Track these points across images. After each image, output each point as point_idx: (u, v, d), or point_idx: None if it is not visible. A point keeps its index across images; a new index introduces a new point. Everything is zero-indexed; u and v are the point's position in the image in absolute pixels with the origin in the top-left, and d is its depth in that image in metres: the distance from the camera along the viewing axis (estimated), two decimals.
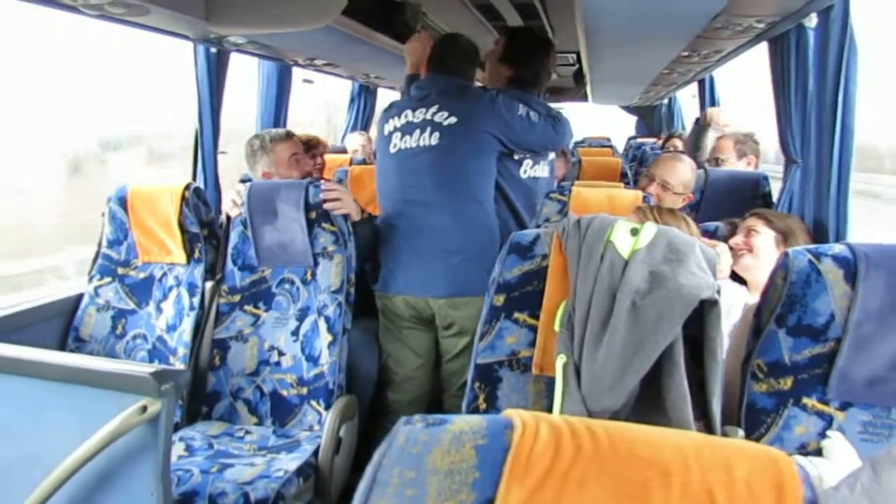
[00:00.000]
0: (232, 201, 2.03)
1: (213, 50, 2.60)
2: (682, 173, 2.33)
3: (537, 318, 1.18)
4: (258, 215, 2.01)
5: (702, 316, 1.08)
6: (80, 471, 1.03)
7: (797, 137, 2.17)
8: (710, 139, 2.94)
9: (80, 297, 2.16)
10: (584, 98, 5.61)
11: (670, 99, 5.36)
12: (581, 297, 1.11)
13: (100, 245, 2.18)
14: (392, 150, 2.18)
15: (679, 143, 4.14)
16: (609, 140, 6.24)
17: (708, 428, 1.10)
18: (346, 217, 1.99)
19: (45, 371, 1.14)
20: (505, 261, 1.20)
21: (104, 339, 2.11)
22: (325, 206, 1.96)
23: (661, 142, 4.90)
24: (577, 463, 0.48)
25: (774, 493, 0.45)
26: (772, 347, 1.14)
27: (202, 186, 2.69)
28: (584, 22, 2.02)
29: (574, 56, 4.76)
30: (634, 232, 1.13)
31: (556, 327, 1.14)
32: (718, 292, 1.07)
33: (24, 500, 1.03)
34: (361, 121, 4.40)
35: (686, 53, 2.62)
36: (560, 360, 1.12)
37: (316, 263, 1.99)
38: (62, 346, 2.10)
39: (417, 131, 2.12)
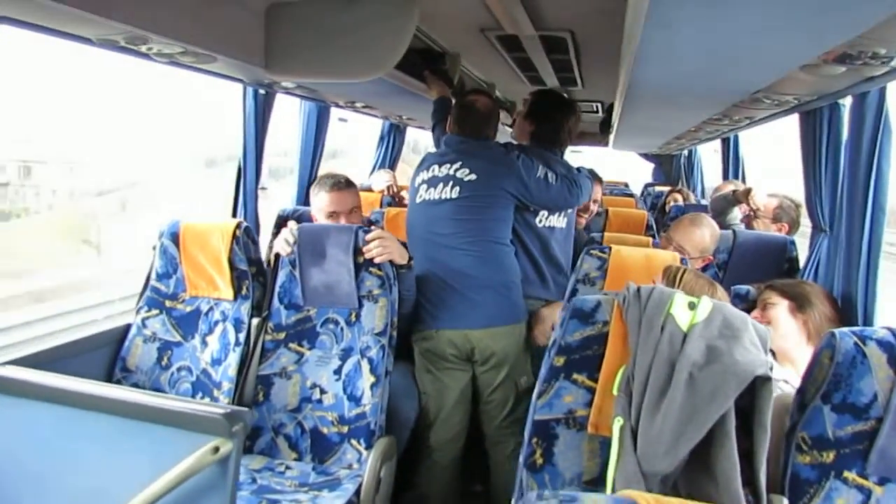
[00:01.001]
0: (285, 241, 2.11)
1: (262, 91, 2.72)
2: (698, 239, 2.42)
3: (595, 380, 1.25)
4: (307, 256, 2.10)
5: (753, 389, 1.15)
6: None
7: (826, 207, 2.26)
8: (736, 211, 3.04)
9: (127, 328, 2.23)
10: (606, 144, 5.73)
11: (691, 150, 5.48)
12: (641, 365, 1.19)
13: (148, 278, 2.26)
14: (418, 201, 2.38)
15: (679, 198, 4.26)
16: (627, 186, 6.35)
17: (754, 495, 1.16)
18: (391, 262, 2.08)
19: (118, 407, 1.20)
20: (567, 325, 1.27)
21: (150, 371, 2.18)
22: (368, 255, 2.05)
23: (665, 195, 5.02)
24: None
25: None
26: (816, 422, 1.21)
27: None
28: (626, 83, 2.12)
29: (599, 105, 4.88)
30: (692, 306, 1.21)
31: (615, 391, 1.22)
32: (771, 369, 1.14)
33: None
34: (389, 159, 4.53)
35: (717, 117, 2.73)
36: (617, 423, 1.19)
37: (361, 305, 2.07)
38: (109, 377, 2.17)
39: (441, 184, 2.32)
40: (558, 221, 2.45)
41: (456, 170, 2.31)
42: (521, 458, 1.30)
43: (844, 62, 1.46)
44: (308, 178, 3.37)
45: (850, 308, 1.93)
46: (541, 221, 2.41)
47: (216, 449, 1.13)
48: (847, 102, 2.06)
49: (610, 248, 2.02)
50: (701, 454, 1.16)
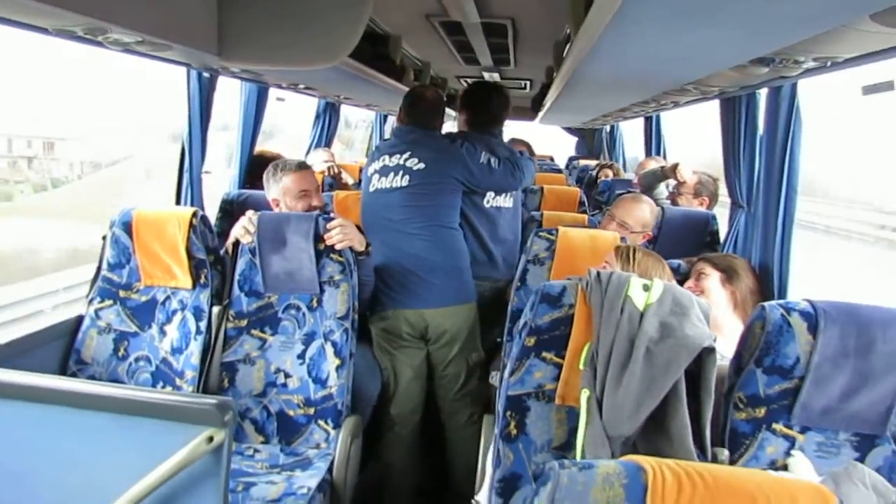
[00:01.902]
0: (244, 228, 2.13)
1: (206, 74, 2.68)
2: (639, 215, 2.62)
3: (562, 357, 1.40)
4: (267, 244, 2.13)
5: (700, 359, 1.32)
6: (146, 499, 1.14)
7: (744, 186, 2.49)
8: (662, 186, 3.27)
9: (79, 320, 2.20)
10: (533, 119, 5.92)
11: (613, 125, 5.75)
12: (604, 342, 1.34)
13: (99, 268, 2.23)
14: (371, 189, 2.50)
15: (610, 173, 4.51)
16: (553, 160, 6.59)
17: (701, 449, 1.34)
18: (351, 248, 2.15)
19: (107, 403, 1.23)
20: (537, 308, 1.40)
21: (106, 362, 2.16)
22: (329, 242, 2.11)
23: (596, 167, 5.28)
24: (695, 497, 0.69)
25: None
26: (750, 383, 1.40)
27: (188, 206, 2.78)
28: (570, 72, 2.25)
29: (528, 82, 5.04)
30: (646, 288, 1.37)
31: (581, 366, 1.36)
32: (714, 340, 1.32)
33: None
34: (326, 137, 4.51)
35: (646, 100, 2.92)
36: (584, 394, 1.34)
37: (322, 291, 2.13)
38: (63, 370, 2.14)
39: (392, 174, 2.45)
40: (505, 202, 2.63)
41: (406, 159, 2.44)
42: (496, 431, 1.43)
43: (768, 65, 1.63)
44: (248, 159, 3.34)
45: (768, 278, 2.17)
46: (488, 202, 2.58)
47: (210, 439, 1.20)
48: (763, 92, 2.28)
49: (557, 230, 2.16)
50: (657, 417, 1.33)
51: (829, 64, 1.53)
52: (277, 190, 2.39)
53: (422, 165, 2.43)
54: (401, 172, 2.43)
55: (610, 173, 4.49)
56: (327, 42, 2.14)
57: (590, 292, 1.38)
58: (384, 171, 2.47)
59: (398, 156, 2.46)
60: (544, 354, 1.41)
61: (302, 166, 2.42)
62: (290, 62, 2.22)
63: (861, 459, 1.37)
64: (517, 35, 3.06)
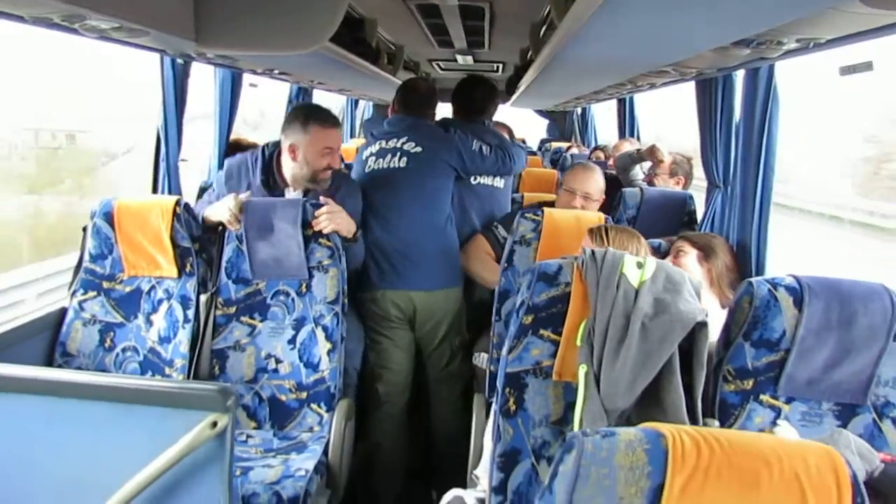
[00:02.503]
0: (233, 216, 2.11)
1: (180, 61, 2.63)
2: (598, 182, 2.63)
3: (559, 334, 1.43)
4: (254, 230, 2.12)
5: (692, 333, 1.37)
6: (151, 485, 1.15)
7: (720, 166, 2.56)
8: (637, 168, 3.33)
9: (62, 312, 2.17)
10: (504, 101, 5.94)
11: (584, 107, 5.80)
12: (600, 319, 1.37)
13: (81, 259, 2.20)
14: (367, 171, 2.53)
15: (602, 155, 4.58)
16: (525, 142, 6.62)
17: (693, 420, 1.39)
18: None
19: (109, 393, 1.23)
20: (534, 287, 1.43)
21: (93, 354, 2.14)
22: (316, 227, 2.11)
23: (566, 148, 5.37)
24: (713, 459, 0.73)
25: (833, 474, 0.73)
26: (739, 356, 1.46)
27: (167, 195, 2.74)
28: (550, 56, 2.27)
29: (500, 65, 5.04)
30: (640, 265, 1.40)
31: (578, 342, 1.40)
32: (707, 315, 1.36)
33: None
34: None
35: (623, 82, 2.96)
36: (582, 370, 1.38)
37: (311, 276, 2.14)
38: (49, 362, 2.12)
39: (389, 155, 2.50)
40: (496, 182, 2.72)
41: (403, 143, 2.50)
42: (495, 407, 1.46)
43: (749, 46, 1.68)
44: (224, 147, 3.29)
45: (745, 256, 2.24)
46: (475, 179, 2.67)
47: (213, 424, 1.21)
48: (739, 74, 2.34)
49: (543, 212, 2.20)
50: (651, 390, 1.37)
51: (811, 45, 1.58)
52: (302, 138, 2.21)
53: (419, 149, 2.50)
54: (398, 154, 2.49)
55: (601, 155, 4.58)
56: (307, 27, 2.12)
57: (585, 270, 1.41)
58: (381, 154, 2.52)
59: (395, 140, 2.53)
60: (542, 332, 1.44)
61: (334, 122, 2.30)
62: (270, 47, 2.19)
63: (843, 427, 1.44)
64: (494, 17, 3.07)
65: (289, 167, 2.27)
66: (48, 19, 1.61)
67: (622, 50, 1.90)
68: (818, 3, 1.14)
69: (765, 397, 1.46)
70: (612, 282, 1.38)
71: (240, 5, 2.07)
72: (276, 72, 3.25)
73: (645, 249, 1.81)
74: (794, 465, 0.73)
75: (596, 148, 4.90)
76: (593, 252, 1.44)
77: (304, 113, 2.25)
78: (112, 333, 2.15)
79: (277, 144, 2.31)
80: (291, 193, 2.29)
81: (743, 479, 0.72)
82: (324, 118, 2.25)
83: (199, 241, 2.19)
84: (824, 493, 0.72)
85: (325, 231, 2.11)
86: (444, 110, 2.96)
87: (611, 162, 3.80)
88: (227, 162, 2.41)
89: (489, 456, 1.61)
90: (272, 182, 2.30)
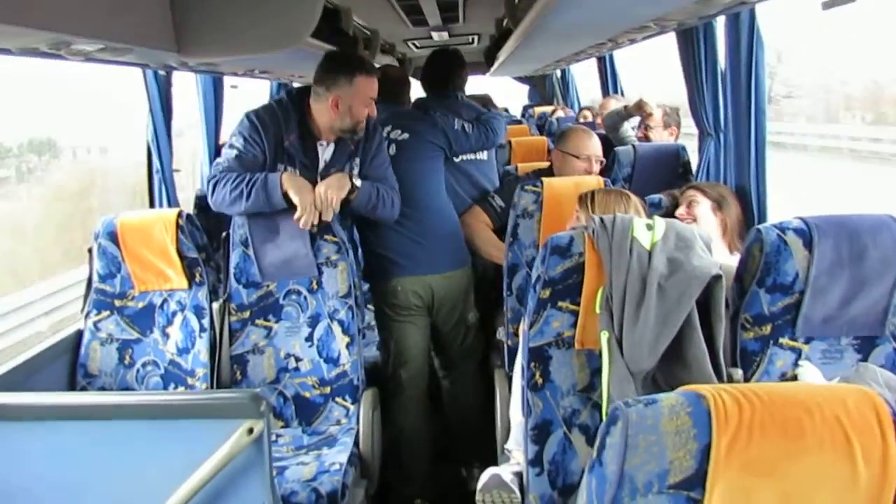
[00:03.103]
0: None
1: (162, 72, 2.61)
2: (597, 143, 2.65)
3: (577, 304, 1.45)
4: (259, 233, 2.13)
5: (708, 287, 1.39)
6: (195, 496, 1.17)
7: (710, 114, 2.56)
8: (626, 125, 3.32)
9: (79, 334, 2.18)
10: (484, 72, 5.90)
11: (564, 69, 5.76)
12: (617, 285, 1.39)
13: (90, 281, 2.20)
14: None
15: (589, 114, 4.56)
16: (507, 111, 6.59)
17: (717, 372, 1.42)
18: (346, 226, 2.17)
19: (145, 411, 1.25)
20: (548, 261, 1.45)
21: (114, 371, 2.16)
22: (326, 218, 2.08)
23: (550, 112, 5.36)
24: (755, 414, 0.76)
25: (874, 412, 0.75)
26: (755, 303, 1.48)
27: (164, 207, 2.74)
28: (532, 24, 2.26)
29: (476, 37, 5.00)
30: (649, 227, 1.42)
31: (597, 310, 1.42)
32: (720, 268, 1.38)
33: None
34: None
35: (602, 42, 2.95)
36: (604, 336, 1.41)
37: (320, 273, 2.15)
38: (72, 384, 2.13)
39: None
40: (479, 156, 2.73)
41: (388, 132, 2.48)
42: (522, 382, 1.49)
43: None
44: (214, 152, 3.27)
45: (745, 201, 2.25)
46: (458, 157, 2.66)
47: (250, 430, 1.23)
48: (720, 20, 2.33)
49: (542, 182, 2.20)
50: (673, 348, 1.40)
51: None
52: (348, 90, 2.13)
53: (405, 136, 2.49)
54: (387, 144, 2.46)
55: (588, 114, 4.57)
56: (287, 24, 2.10)
57: (597, 239, 1.43)
58: None
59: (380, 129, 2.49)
60: (560, 304, 1.46)
61: (377, 70, 2.28)
62: (252, 49, 2.17)
63: (864, 360, 1.47)
64: None
65: (327, 119, 2.17)
66: (35, 49, 1.60)
67: (604, 10, 1.90)
68: None
69: (784, 340, 1.49)
70: (625, 247, 1.40)
71: (218, 11, 2.04)
72: (257, 71, 3.23)
73: (636, 207, 1.80)
74: (835, 409, 0.75)
75: (582, 109, 4.89)
76: (602, 220, 1.45)
77: (348, 64, 2.19)
78: (130, 350, 2.17)
79: (304, 95, 2.23)
80: (324, 145, 2.23)
81: (787, 429, 0.75)
82: (368, 68, 2.22)
83: (204, 251, 2.20)
84: (867, 433, 0.74)
85: (336, 209, 2.08)
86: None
87: (599, 121, 3.79)
88: (251, 114, 2.20)
89: (518, 429, 1.64)
90: (306, 135, 2.22)
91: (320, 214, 2.06)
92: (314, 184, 2.08)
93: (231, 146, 2.16)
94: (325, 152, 2.23)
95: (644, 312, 1.37)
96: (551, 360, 1.47)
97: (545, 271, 1.45)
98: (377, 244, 2.41)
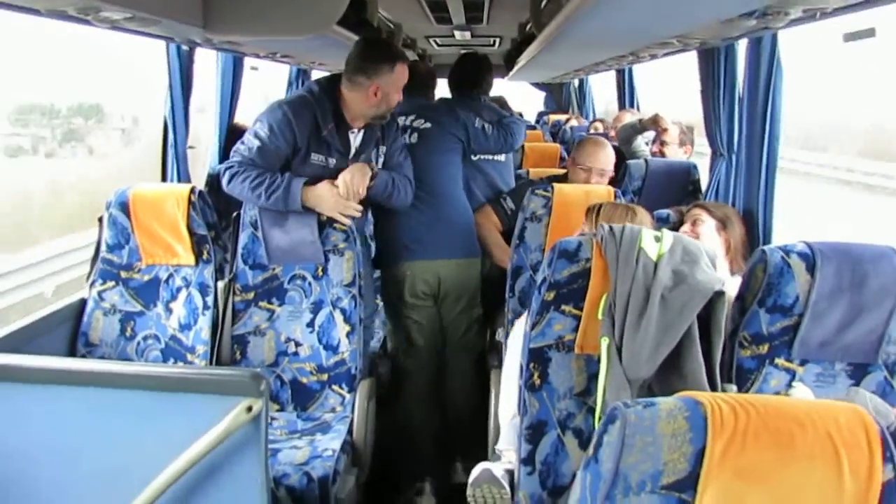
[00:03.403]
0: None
1: (185, 47, 2.63)
2: (610, 155, 2.66)
3: (580, 309, 1.47)
4: (268, 216, 2.15)
5: (710, 302, 1.41)
6: (191, 469, 1.19)
7: (724, 135, 2.58)
8: (640, 139, 3.35)
9: (82, 303, 2.20)
10: (503, 76, 5.93)
11: (582, 79, 5.79)
12: (621, 293, 1.41)
13: (98, 250, 2.22)
14: None
15: (600, 126, 4.59)
16: (522, 115, 6.61)
17: (712, 385, 1.44)
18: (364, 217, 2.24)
19: (146, 382, 1.27)
20: (555, 264, 1.47)
21: (114, 343, 2.18)
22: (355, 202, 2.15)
23: (565, 120, 5.39)
24: (750, 423, 0.78)
25: (863, 430, 0.77)
26: (754, 322, 1.50)
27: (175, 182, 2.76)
28: (556, 30, 2.28)
29: (498, 39, 5.03)
30: (657, 239, 1.44)
31: (600, 316, 1.44)
32: (723, 285, 1.40)
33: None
34: None
35: (624, 54, 2.97)
36: (604, 342, 1.43)
37: (327, 260, 2.17)
38: (72, 352, 2.15)
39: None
40: (497, 157, 2.77)
41: (412, 121, 2.55)
42: (521, 382, 1.51)
43: (755, 17, 1.69)
44: (227, 132, 3.29)
45: (752, 223, 2.27)
46: (475, 156, 2.71)
47: (249, 408, 1.25)
48: (742, 43, 2.35)
49: (553, 188, 2.22)
50: (671, 359, 1.42)
51: (817, 15, 1.60)
52: (389, 78, 2.18)
53: (428, 125, 2.56)
54: (409, 132, 2.54)
55: (600, 126, 4.61)
56: (314, 10, 2.12)
57: (605, 246, 1.45)
58: None
59: (404, 117, 2.56)
60: (563, 307, 1.48)
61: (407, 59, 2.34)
62: (277, 32, 2.20)
63: (856, 386, 1.49)
64: None
65: (363, 107, 2.20)
66: (63, 12, 1.62)
67: (629, 23, 1.92)
68: None
69: (780, 361, 1.51)
70: (632, 256, 1.42)
71: None
72: (279, 55, 3.25)
73: (642, 221, 1.82)
74: (826, 425, 0.77)
75: (595, 120, 4.92)
76: (611, 228, 1.47)
77: (390, 52, 2.25)
78: (133, 322, 2.19)
79: (335, 83, 2.25)
80: (355, 133, 2.26)
81: (779, 440, 0.77)
82: (403, 55, 2.30)
83: (213, 229, 2.22)
84: (856, 448, 0.77)
85: (362, 194, 2.15)
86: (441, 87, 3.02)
87: (612, 133, 3.81)
88: (285, 106, 2.19)
89: (509, 428, 1.67)
90: (341, 123, 2.24)
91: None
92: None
93: (256, 135, 2.15)
94: (356, 139, 2.27)
95: (646, 322, 1.39)
96: (550, 362, 1.49)
97: (551, 274, 1.47)
98: (390, 229, 2.47)
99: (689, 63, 2.73)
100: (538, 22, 2.90)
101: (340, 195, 2.11)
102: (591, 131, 4.52)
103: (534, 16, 3.01)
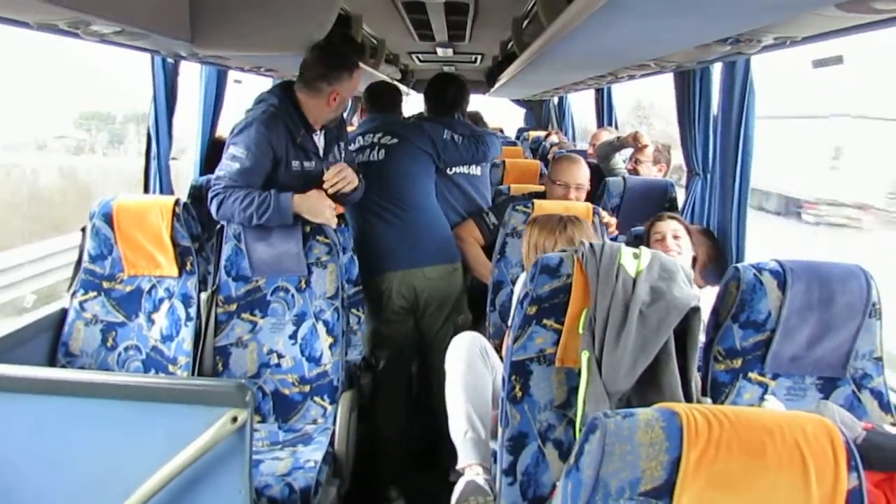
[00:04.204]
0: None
1: (171, 60, 2.65)
2: (585, 170, 2.71)
3: (561, 323, 1.51)
4: (252, 229, 2.16)
5: (686, 318, 1.46)
6: (175, 479, 1.20)
7: (700, 154, 2.66)
8: (618, 156, 3.43)
9: (63, 312, 2.19)
10: (484, 92, 6.01)
11: (561, 97, 5.88)
12: (601, 308, 1.45)
13: (80, 261, 2.22)
14: None
15: (555, 138, 4.71)
16: (503, 132, 6.70)
17: (688, 398, 1.49)
18: (338, 228, 2.23)
19: (131, 392, 1.28)
20: (537, 279, 1.51)
21: (95, 353, 2.17)
22: (332, 189, 2.21)
23: (545, 136, 5.48)
24: (723, 433, 0.82)
25: (829, 440, 0.82)
26: (728, 337, 1.56)
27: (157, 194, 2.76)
28: (537, 52, 2.35)
29: (479, 56, 5.10)
30: (636, 256, 1.49)
31: (580, 330, 1.48)
32: (699, 300, 1.45)
33: None
34: None
35: (603, 74, 3.04)
36: (584, 355, 1.46)
37: (310, 272, 2.19)
38: (52, 363, 2.14)
39: (368, 150, 2.63)
40: (472, 170, 2.81)
41: (379, 138, 2.61)
42: (503, 394, 1.54)
43: (729, 43, 1.76)
44: (209, 144, 3.29)
45: (726, 241, 2.35)
46: (451, 170, 2.76)
47: (234, 419, 1.27)
48: (717, 66, 2.43)
49: (533, 204, 2.27)
50: (649, 373, 1.46)
51: (787, 42, 1.67)
52: (347, 84, 2.26)
53: (395, 140, 2.60)
54: (376, 148, 2.60)
55: (554, 137, 4.71)
56: (301, 27, 2.16)
57: (585, 262, 1.49)
58: (361, 150, 2.62)
59: (370, 135, 2.64)
60: (545, 321, 1.51)
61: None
62: (264, 48, 2.23)
63: (825, 399, 1.55)
64: (477, 12, 3.13)
65: (323, 112, 2.27)
66: (53, 25, 1.63)
67: (608, 46, 1.98)
68: (796, 7, 1.23)
69: (753, 374, 1.57)
70: (612, 273, 1.47)
71: (235, 7, 2.10)
72: (263, 69, 3.27)
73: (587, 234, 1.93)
74: (795, 435, 0.82)
75: (548, 133, 5.01)
76: (592, 245, 1.52)
77: (347, 60, 2.30)
78: (114, 333, 2.18)
79: (288, 90, 2.27)
80: (318, 135, 2.33)
81: (750, 449, 0.81)
82: (357, 62, 2.36)
83: (197, 241, 2.23)
84: (822, 458, 0.81)
85: (347, 189, 2.23)
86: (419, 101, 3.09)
87: (590, 151, 3.89)
88: (258, 124, 2.17)
89: (470, 443, 1.70)
90: (307, 128, 2.29)
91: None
92: (324, 171, 2.24)
93: (235, 158, 2.15)
94: (320, 140, 2.34)
95: (624, 336, 1.43)
96: (532, 375, 1.53)
97: (533, 288, 1.50)
98: (366, 243, 2.51)
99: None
100: (520, 41, 2.97)
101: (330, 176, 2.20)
102: (546, 142, 4.66)
103: (515, 35, 3.08)
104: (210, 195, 2.17)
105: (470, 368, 1.80)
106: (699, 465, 0.81)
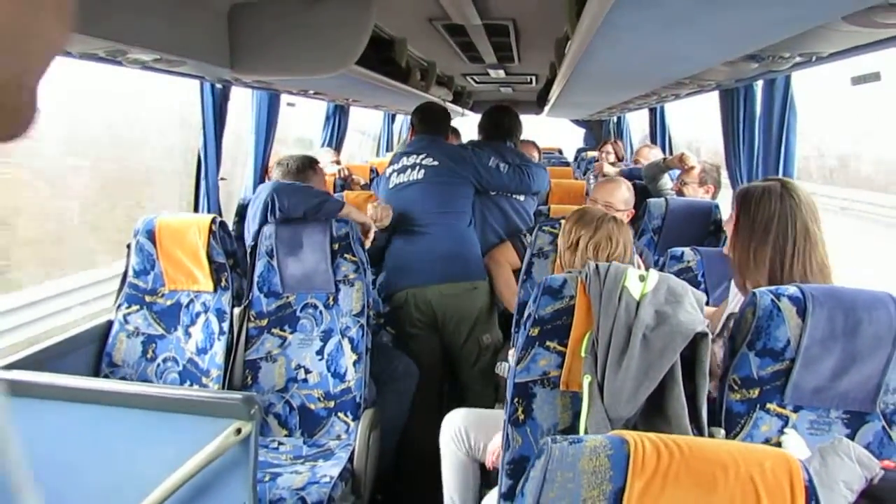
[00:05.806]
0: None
1: (219, 85, 2.79)
2: (620, 193, 2.67)
3: (565, 345, 1.48)
4: (284, 247, 2.24)
5: (694, 343, 1.40)
6: (181, 488, 1.24)
7: (744, 172, 2.56)
8: (666, 177, 3.34)
9: (108, 324, 2.32)
10: (539, 112, 5.99)
11: (620, 116, 5.80)
12: (603, 331, 1.42)
13: (125, 275, 2.35)
14: (390, 187, 2.75)
15: (610, 148, 4.62)
16: (561, 152, 6.65)
17: (698, 429, 1.42)
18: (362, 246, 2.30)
19: (142, 401, 1.34)
20: (540, 300, 1.49)
21: (136, 364, 2.28)
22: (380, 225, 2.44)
23: (599, 147, 5.41)
24: (672, 464, 0.78)
25: (788, 477, 0.77)
26: (744, 365, 1.48)
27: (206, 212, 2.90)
28: (570, 68, 2.33)
29: (534, 77, 5.10)
30: (642, 278, 1.45)
31: (583, 353, 1.45)
32: (707, 326, 1.39)
33: None
34: (336, 138, 4.62)
35: (646, 93, 2.99)
36: (586, 379, 1.43)
37: (337, 289, 2.24)
38: (96, 372, 2.26)
39: (409, 170, 2.72)
40: (516, 196, 2.85)
41: (421, 158, 2.70)
42: (505, 416, 1.52)
43: (757, 60, 1.70)
44: (262, 165, 3.44)
45: None
46: (494, 192, 2.81)
47: (238, 431, 1.30)
48: (760, 84, 2.35)
49: (560, 224, 2.24)
50: (655, 399, 1.41)
51: (814, 59, 1.60)
52: (317, 182, 2.65)
53: (435, 163, 2.69)
54: (417, 168, 2.70)
55: (609, 148, 4.65)
56: (334, 51, 2.23)
57: (589, 284, 1.46)
58: (402, 170, 2.73)
59: (414, 156, 2.74)
60: (548, 343, 1.49)
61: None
62: (299, 71, 2.32)
63: (852, 436, 1.44)
64: (519, 34, 3.14)
65: None
66: (94, 54, 1.76)
67: (631, 64, 1.95)
68: (803, 24, 1.18)
69: (771, 406, 1.48)
70: (615, 295, 1.43)
71: (271, 32, 2.19)
72: (311, 92, 3.39)
73: (613, 233, 1.88)
74: (750, 469, 0.77)
75: (605, 142, 4.94)
76: (597, 266, 1.49)
77: (309, 162, 2.73)
78: (154, 345, 2.29)
79: None
80: None
81: (700, 483, 0.77)
82: (322, 163, 2.75)
83: (233, 257, 2.32)
84: (778, 495, 0.76)
85: (385, 223, 2.45)
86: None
87: (611, 150, 3.83)
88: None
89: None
90: None
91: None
92: None
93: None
94: None
95: (627, 361, 1.39)
96: (535, 398, 1.50)
97: (536, 310, 1.48)
98: (389, 260, 2.63)
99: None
100: (561, 62, 2.96)
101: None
102: (604, 154, 4.57)
103: (558, 57, 3.06)
104: None
105: (450, 455, 2.00)
106: (643, 496, 0.77)
